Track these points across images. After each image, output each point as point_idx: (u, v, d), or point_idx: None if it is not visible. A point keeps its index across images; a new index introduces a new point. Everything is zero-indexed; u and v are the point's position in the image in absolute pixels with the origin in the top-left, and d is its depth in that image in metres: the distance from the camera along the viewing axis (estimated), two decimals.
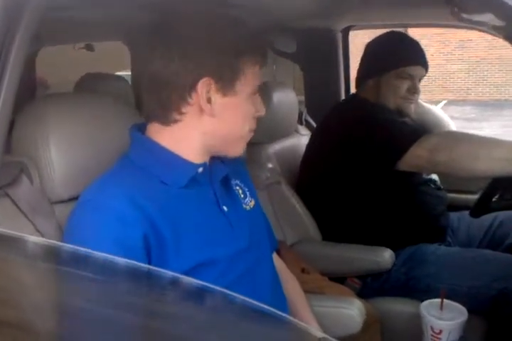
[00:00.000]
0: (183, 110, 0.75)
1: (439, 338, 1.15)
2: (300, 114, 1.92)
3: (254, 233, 0.85)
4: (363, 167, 1.33)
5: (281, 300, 0.86)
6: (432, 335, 1.17)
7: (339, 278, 1.36)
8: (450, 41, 11.22)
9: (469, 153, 1.11)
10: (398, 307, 1.31)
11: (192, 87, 0.73)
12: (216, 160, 0.83)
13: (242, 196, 0.89)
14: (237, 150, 0.82)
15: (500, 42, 1.42)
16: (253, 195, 0.92)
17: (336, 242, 1.40)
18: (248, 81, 0.76)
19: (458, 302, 1.23)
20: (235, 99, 0.76)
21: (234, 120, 0.77)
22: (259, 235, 0.87)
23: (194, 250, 0.72)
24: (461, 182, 1.79)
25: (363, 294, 1.34)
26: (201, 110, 0.75)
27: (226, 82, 0.74)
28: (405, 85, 1.43)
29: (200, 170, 0.79)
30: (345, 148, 1.34)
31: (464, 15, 0.85)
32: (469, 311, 1.21)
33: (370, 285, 1.34)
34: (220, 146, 0.80)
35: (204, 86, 0.73)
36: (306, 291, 1.08)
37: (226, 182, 0.86)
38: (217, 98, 0.75)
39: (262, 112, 0.81)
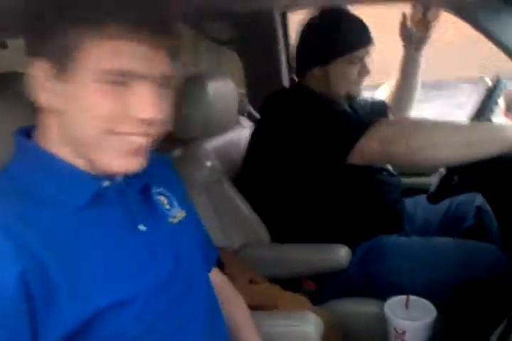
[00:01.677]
0: (39, 104, 0.60)
1: (404, 339, 1.05)
2: (242, 105, 1.79)
3: (183, 251, 0.70)
4: (310, 161, 1.21)
5: (219, 328, 0.73)
6: (396, 336, 1.07)
7: (293, 282, 1.24)
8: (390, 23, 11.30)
9: (428, 141, 1.00)
10: (360, 308, 1.21)
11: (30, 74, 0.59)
12: None
13: (168, 207, 0.72)
14: (111, 162, 0.60)
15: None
16: (183, 204, 0.76)
17: (286, 243, 1.28)
18: (92, 61, 0.56)
19: (423, 296, 1.14)
20: (74, 86, 0.57)
21: (78, 117, 0.58)
22: (189, 253, 0.72)
23: (98, 291, 0.56)
24: None
25: (319, 297, 1.23)
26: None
27: (62, 64, 0.57)
28: (356, 69, 1.31)
29: (107, 183, 0.63)
30: (291, 142, 1.22)
31: None
32: (436, 305, 1.12)
33: (326, 287, 1.23)
34: (85, 155, 0.61)
35: (39, 70, 0.58)
36: (256, 307, 0.95)
37: (145, 193, 0.70)
38: (55, 86, 0.58)
39: (144, 113, 0.58)
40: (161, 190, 0.73)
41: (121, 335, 0.58)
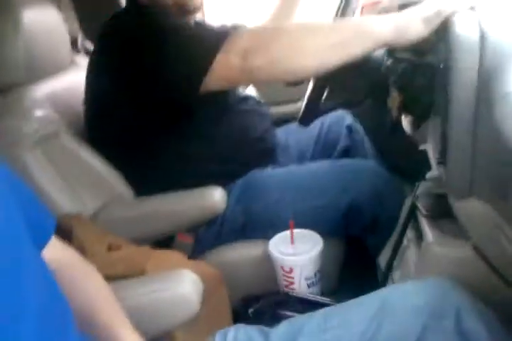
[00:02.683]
0: None
1: (291, 277, 0.97)
2: (74, 40, 1.49)
3: None
4: (160, 95, 1.00)
5: (60, 317, 0.55)
6: (284, 275, 0.99)
7: (167, 239, 1.08)
8: None
9: (292, 47, 0.84)
10: (244, 252, 1.10)
11: None
12: None
13: None
14: None
15: None
16: None
17: (152, 195, 1.09)
18: None
19: (309, 226, 1.06)
20: None
21: None
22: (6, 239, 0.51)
23: None
24: (280, 92, 1.59)
25: (199, 249, 1.09)
26: None
27: None
28: None
29: None
30: (133, 75, 0.99)
31: None
32: (325, 234, 1.05)
33: (205, 237, 1.09)
34: None
35: None
36: (119, 276, 0.78)
37: None
38: None
39: None
40: None
41: None
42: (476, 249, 0.75)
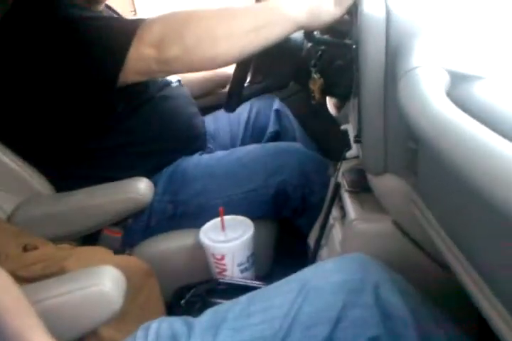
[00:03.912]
0: None
1: (223, 264, 0.97)
2: None
3: None
4: (76, 90, 0.94)
5: None
6: (216, 263, 0.98)
7: (94, 235, 1.04)
8: None
9: (206, 34, 0.81)
10: (176, 242, 1.08)
11: None
12: None
13: None
14: None
15: None
16: None
17: (74, 190, 1.04)
18: None
19: (241, 213, 1.05)
20: None
21: None
22: None
23: None
24: None
25: (128, 242, 1.06)
26: None
27: None
28: None
29: None
30: (44, 69, 0.93)
31: None
32: (256, 219, 1.05)
33: (134, 229, 1.06)
34: None
35: None
36: (37, 277, 0.74)
37: None
38: None
39: None
40: None
41: None
42: (396, 223, 0.77)
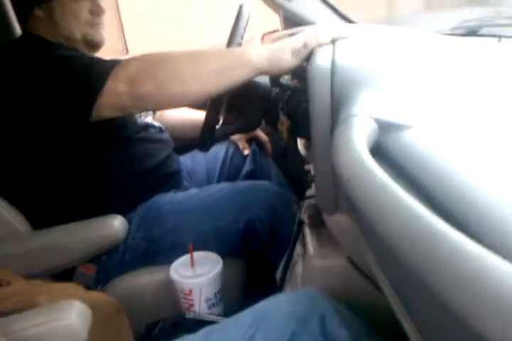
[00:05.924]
0: None
1: (191, 299, 1.00)
2: None
3: None
4: (51, 125, 1.01)
5: None
6: (184, 298, 1.01)
7: (68, 271, 1.07)
8: None
9: (175, 73, 0.89)
10: (147, 278, 1.11)
11: None
12: None
13: None
14: None
15: None
16: None
17: (49, 227, 1.08)
18: None
19: (211, 249, 1.09)
20: None
21: None
22: None
23: None
24: None
25: (102, 278, 1.09)
26: None
27: None
28: (85, 6, 1.13)
29: None
30: (23, 107, 1.00)
31: None
32: (226, 255, 1.09)
33: (108, 266, 1.09)
34: None
35: None
36: (10, 312, 0.77)
37: None
38: None
39: None
40: None
41: None
42: (350, 259, 0.81)
